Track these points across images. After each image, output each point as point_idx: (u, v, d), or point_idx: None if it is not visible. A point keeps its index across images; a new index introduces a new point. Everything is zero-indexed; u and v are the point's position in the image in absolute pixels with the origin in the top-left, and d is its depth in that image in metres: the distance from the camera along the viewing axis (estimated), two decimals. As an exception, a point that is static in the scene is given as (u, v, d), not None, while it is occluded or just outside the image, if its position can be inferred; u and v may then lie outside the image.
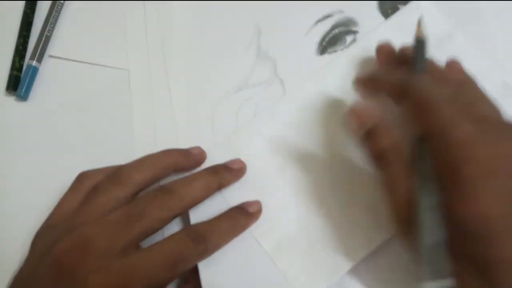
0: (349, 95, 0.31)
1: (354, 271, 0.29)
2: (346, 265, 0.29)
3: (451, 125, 0.22)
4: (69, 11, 0.38)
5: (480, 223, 0.20)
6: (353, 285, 0.29)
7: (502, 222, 0.20)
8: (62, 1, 0.38)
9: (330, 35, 0.35)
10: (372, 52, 0.32)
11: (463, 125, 0.22)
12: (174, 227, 0.30)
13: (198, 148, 0.31)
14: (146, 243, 0.25)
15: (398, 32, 0.31)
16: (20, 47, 0.36)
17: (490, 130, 0.22)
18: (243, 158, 0.31)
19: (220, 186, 0.29)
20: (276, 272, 0.29)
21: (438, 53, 0.32)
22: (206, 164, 0.31)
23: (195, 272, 0.28)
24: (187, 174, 0.29)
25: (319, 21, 0.36)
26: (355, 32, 0.35)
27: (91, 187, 0.27)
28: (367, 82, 0.29)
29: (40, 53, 0.36)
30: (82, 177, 0.28)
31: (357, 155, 0.30)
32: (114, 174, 0.27)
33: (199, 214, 0.29)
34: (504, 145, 0.22)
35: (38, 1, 0.38)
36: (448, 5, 0.34)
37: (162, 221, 0.26)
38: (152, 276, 0.23)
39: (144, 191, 0.27)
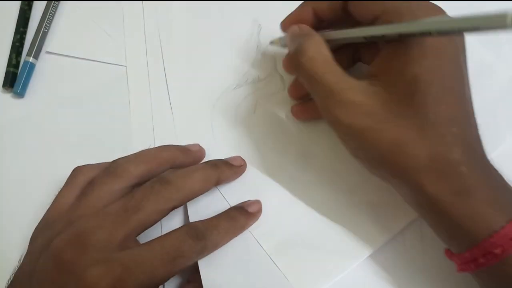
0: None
1: (354, 271, 0.28)
2: (346, 265, 0.28)
3: None
4: (66, 7, 0.38)
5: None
6: (353, 285, 0.28)
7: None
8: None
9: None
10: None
11: None
12: (174, 223, 0.30)
13: (197, 145, 0.31)
14: (145, 239, 0.25)
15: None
16: (17, 43, 0.36)
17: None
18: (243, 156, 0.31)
19: (218, 181, 0.29)
20: (276, 272, 0.28)
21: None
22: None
23: (197, 272, 0.28)
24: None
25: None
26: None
27: (86, 181, 0.27)
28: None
29: (37, 49, 0.36)
30: (76, 172, 0.27)
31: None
32: (110, 167, 0.27)
33: (199, 213, 0.29)
34: None
35: (36, -3, 0.38)
36: (449, 5, 0.34)
37: (159, 212, 0.25)
38: (151, 271, 0.23)
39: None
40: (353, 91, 0.24)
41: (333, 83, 0.24)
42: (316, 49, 0.25)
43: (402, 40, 0.23)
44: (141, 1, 0.38)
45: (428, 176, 0.22)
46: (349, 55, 0.30)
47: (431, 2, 0.24)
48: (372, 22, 0.25)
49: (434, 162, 0.22)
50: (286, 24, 0.29)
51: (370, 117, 0.23)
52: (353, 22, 0.26)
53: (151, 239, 0.25)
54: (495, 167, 0.23)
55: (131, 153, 0.28)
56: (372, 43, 0.28)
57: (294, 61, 0.26)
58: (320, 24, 0.29)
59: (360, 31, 0.25)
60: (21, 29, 0.37)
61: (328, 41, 0.26)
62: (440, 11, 0.24)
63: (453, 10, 0.33)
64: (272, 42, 0.33)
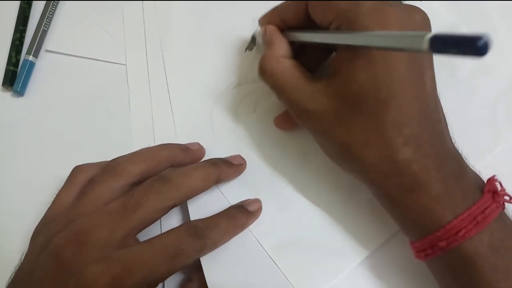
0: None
1: (354, 271, 0.29)
2: (346, 264, 0.28)
3: None
4: (66, 5, 0.38)
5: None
6: (353, 284, 0.28)
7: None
8: (58, -3, 0.38)
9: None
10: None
11: None
12: (174, 222, 0.30)
13: (197, 144, 0.31)
14: (145, 238, 0.25)
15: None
16: (17, 42, 0.36)
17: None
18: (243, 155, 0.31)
19: (218, 180, 0.29)
20: (277, 271, 0.28)
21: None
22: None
23: (198, 270, 0.28)
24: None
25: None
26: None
27: (86, 180, 0.27)
28: None
29: (37, 47, 0.36)
30: (76, 171, 0.27)
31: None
32: (109, 166, 0.27)
33: (199, 212, 0.29)
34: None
35: (35, -5, 0.38)
36: (449, 4, 0.34)
37: (159, 211, 0.25)
38: (151, 268, 0.23)
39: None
40: (308, 101, 0.25)
41: (292, 96, 0.26)
42: (273, 63, 0.27)
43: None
44: (141, 1, 0.38)
45: (377, 176, 0.24)
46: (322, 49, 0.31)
47: (388, 2, 0.24)
48: (328, 26, 0.25)
49: (381, 163, 0.24)
50: (263, 22, 0.30)
51: (325, 123, 0.25)
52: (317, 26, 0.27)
53: (150, 236, 0.25)
54: (457, 154, 0.25)
55: (131, 151, 0.28)
56: None
57: (259, 74, 0.28)
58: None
59: (311, 36, 0.26)
60: (21, 27, 0.37)
61: (297, 42, 0.27)
62: (392, 12, 0.23)
63: (454, 8, 0.33)
64: (246, 49, 0.32)
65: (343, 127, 0.24)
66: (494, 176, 0.24)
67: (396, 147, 0.23)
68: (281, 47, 0.28)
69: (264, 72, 0.27)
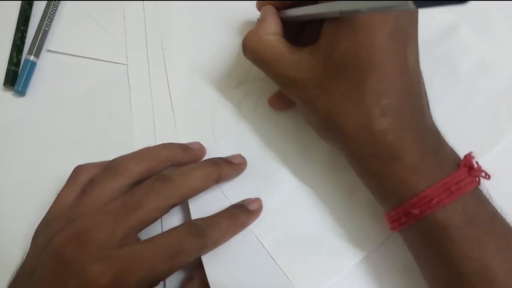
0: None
1: (354, 270, 0.29)
2: (346, 263, 0.28)
3: None
4: (67, 5, 0.38)
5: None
6: (353, 283, 0.28)
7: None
8: (60, -4, 0.38)
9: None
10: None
11: None
12: (174, 221, 0.30)
13: (198, 143, 0.31)
14: (145, 237, 0.25)
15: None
16: (18, 42, 0.36)
17: None
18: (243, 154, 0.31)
19: (219, 179, 0.29)
20: (277, 270, 0.28)
21: (443, 44, 0.31)
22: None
23: (199, 269, 0.28)
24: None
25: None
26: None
27: (87, 180, 0.27)
28: None
29: (38, 47, 0.36)
30: (78, 171, 0.27)
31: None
32: (110, 166, 0.27)
33: (200, 211, 0.29)
34: None
35: (36, -5, 0.38)
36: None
37: (159, 210, 0.25)
38: (151, 267, 0.23)
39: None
40: (293, 70, 0.26)
41: (275, 68, 0.27)
42: (255, 40, 0.28)
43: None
44: (142, 0, 0.38)
45: (354, 144, 0.25)
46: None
47: None
48: None
49: (359, 132, 0.24)
50: (259, 5, 0.31)
51: (308, 91, 0.26)
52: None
53: (151, 235, 0.25)
54: (435, 130, 0.25)
55: (132, 151, 0.28)
56: None
57: (243, 52, 0.29)
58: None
59: (304, 9, 0.26)
60: (22, 27, 0.37)
61: (289, 19, 0.28)
62: None
63: (453, 9, 0.33)
64: None
65: (326, 95, 0.25)
66: (471, 152, 0.25)
67: (373, 116, 0.24)
68: (269, 25, 0.28)
69: (246, 48, 0.28)
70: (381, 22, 0.23)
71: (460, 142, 0.26)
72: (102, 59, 0.36)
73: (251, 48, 0.28)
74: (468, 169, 0.24)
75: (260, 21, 0.29)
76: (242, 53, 0.29)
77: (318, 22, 0.26)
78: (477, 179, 0.24)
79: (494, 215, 0.24)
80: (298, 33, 0.30)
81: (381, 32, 0.23)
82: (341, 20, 0.24)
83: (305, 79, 0.26)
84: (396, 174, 0.24)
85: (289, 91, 0.27)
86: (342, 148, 0.26)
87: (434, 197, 0.23)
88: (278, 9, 0.29)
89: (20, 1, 0.37)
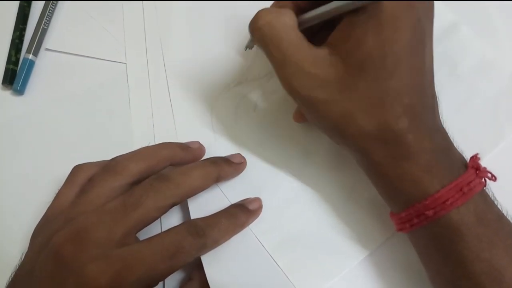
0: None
1: (354, 270, 0.29)
2: (347, 263, 0.28)
3: None
4: (66, 3, 0.38)
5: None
6: (353, 283, 0.28)
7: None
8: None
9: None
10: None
11: None
12: (174, 221, 0.30)
13: (197, 142, 0.31)
14: (145, 236, 0.25)
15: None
16: (17, 40, 0.36)
17: None
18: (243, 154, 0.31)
19: (218, 178, 0.29)
20: (277, 270, 0.28)
21: (443, 44, 0.31)
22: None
23: (198, 269, 0.28)
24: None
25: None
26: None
27: (86, 179, 0.27)
28: None
29: (37, 46, 0.36)
30: (76, 170, 0.27)
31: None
32: (109, 165, 0.27)
33: (200, 211, 0.29)
34: None
35: (35, -6, 0.38)
36: (450, 4, 0.34)
37: (158, 209, 0.25)
38: (151, 267, 0.23)
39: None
40: (309, 62, 0.24)
41: (290, 52, 0.24)
42: (275, 16, 0.25)
43: (361, 10, 0.23)
44: (141, 0, 0.38)
45: (374, 144, 0.24)
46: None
47: None
48: None
49: (380, 131, 0.24)
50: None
51: (324, 90, 0.24)
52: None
53: (150, 235, 0.24)
54: (444, 131, 0.25)
55: (131, 150, 0.28)
56: None
57: (251, 27, 0.25)
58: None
59: (323, 8, 0.25)
60: (21, 26, 0.36)
61: (306, 22, 0.26)
62: None
63: (453, 9, 0.33)
64: (247, 47, 0.31)
65: (346, 93, 0.24)
66: (477, 154, 0.25)
67: (396, 115, 0.23)
68: (288, 12, 0.25)
69: (261, 18, 0.25)
70: (406, 18, 0.23)
71: (460, 142, 0.26)
72: (101, 58, 0.36)
73: (267, 21, 0.24)
74: (475, 170, 0.24)
75: (277, 6, 0.26)
76: (242, 52, 0.29)
77: (327, 30, 0.25)
78: (483, 180, 0.24)
79: (500, 216, 0.24)
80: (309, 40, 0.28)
81: (406, 30, 0.23)
82: (361, 14, 0.23)
83: (323, 77, 0.24)
84: (409, 174, 0.24)
85: (298, 89, 0.25)
86: (356, 150, 0.25)
87: (448, 198, 0.23)
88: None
89: (19, 0, 0.37)
